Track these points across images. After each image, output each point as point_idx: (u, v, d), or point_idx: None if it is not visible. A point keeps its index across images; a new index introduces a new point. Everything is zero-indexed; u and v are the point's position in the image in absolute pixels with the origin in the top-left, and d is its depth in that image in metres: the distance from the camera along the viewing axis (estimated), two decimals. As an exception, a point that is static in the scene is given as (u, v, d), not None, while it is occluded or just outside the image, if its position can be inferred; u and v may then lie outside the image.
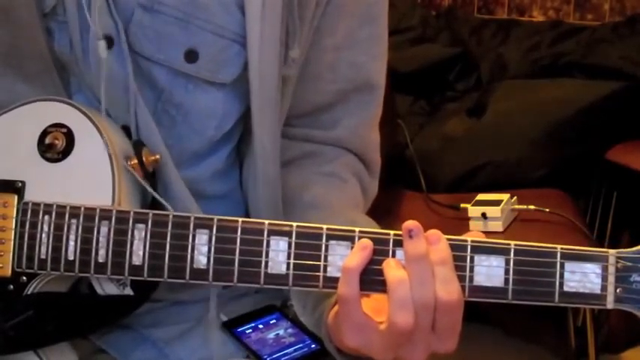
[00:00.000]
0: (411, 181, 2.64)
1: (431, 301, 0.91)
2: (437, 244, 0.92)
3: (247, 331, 1.17)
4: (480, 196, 2.43)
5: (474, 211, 2.35)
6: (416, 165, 2.63)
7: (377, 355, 0.95)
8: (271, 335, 1.17)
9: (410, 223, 0.93)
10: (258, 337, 1.16)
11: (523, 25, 3.35)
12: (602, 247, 0.94)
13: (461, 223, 2.32)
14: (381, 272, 0.93)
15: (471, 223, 2.32)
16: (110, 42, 1.08)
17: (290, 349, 1.15)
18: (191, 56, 1.09)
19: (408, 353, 0.94)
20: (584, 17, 3.40)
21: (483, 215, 2.33)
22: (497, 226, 2.32)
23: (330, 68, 1.19)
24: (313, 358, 1.14)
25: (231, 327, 1.17)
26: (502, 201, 2.36)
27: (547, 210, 2.39)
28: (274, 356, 1.13)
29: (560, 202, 2.52)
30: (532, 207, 2.40)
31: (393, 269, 0.92)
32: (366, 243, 0.94)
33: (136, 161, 1.06)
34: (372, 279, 0.94)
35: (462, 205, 2.38)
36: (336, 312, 0.98)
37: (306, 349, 1.15)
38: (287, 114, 1.19)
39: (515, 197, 2.41)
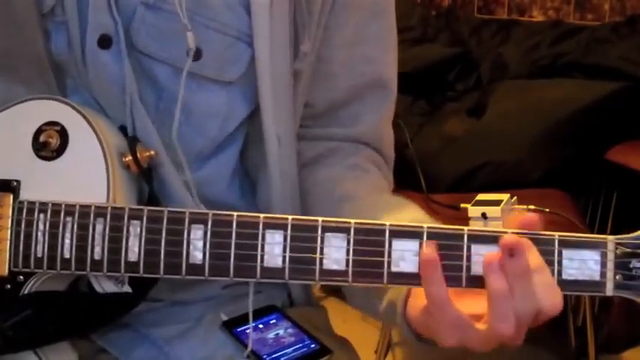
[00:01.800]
0: (411, 181, 2.63)
1: (534, 311, 0.90)
2: (528, 253, 0.89)
3: (247, 331, 1.16)
4: (480, 196, 2.42)
5: (473, 211, 2.34)
6: (416, 165, 2.63)
7: (478, 348, 0.94)
8: (271, 335, 1.16)
9: (509, 241, 0.89)
10: (258, 337, 1.15)
11: (523, 25, 3.36)
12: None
13: (461, 223, 2.30)
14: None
15: (471, 223, 2.31)
16: (109, 41, 1.07)
17: (289, 349, 1.14)
18: (194, 54, 1.08)
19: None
20: (584, 17, 3.40)
21: (483, 215, 2.32)
22: (497, 226, 2.31)
23: (344, 65, 1.19)
24: (313, 357, 1.14)
25: (231, 327, 1.17)
26: (502, 201, 2.35)
27: (547, 210, 2.38)
28: (274, 356, 1.13)
29: (560, 202, 2.52)
30: (532, 207, 2.39)
31: (496, 280, 0.89)
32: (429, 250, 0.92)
33: (130, 157, 1.05)
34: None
35: (462, 205, 2.38)
36: (421, 308, 0.95)
37: (305, 349, 1.15)
38: (305, 115, 1.19)
39: (515, 197, 2.40)
